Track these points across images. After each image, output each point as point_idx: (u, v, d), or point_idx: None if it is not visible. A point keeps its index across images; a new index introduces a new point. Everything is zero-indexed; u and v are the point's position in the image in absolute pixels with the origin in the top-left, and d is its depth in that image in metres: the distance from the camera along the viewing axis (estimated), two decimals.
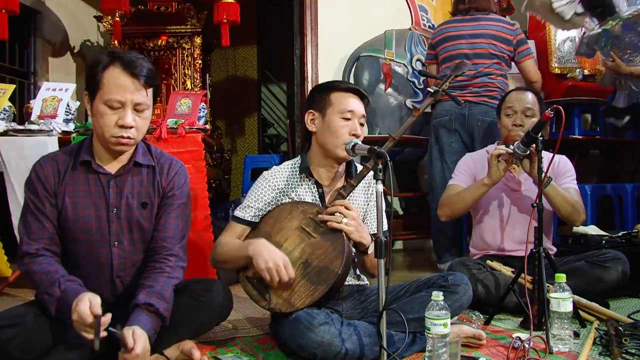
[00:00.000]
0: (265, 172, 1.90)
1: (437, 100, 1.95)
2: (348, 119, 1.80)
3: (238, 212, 1.84)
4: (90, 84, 1.54)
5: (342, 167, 1.89)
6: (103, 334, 1.36)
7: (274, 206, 1.82)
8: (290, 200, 1.83)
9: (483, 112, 2.99)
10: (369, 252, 1.75)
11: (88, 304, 1.35)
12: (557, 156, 2.39)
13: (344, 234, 1.69)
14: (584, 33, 3.14)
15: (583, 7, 3.04)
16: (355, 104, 1.82)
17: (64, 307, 1.42)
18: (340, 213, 1.69)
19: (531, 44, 3.58)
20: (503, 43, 3.09)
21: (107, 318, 1.37)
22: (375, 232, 1.79)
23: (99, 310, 1.35)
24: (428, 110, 2.22)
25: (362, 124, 1.83)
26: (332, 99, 1.82)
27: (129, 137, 1.53)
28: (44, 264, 1.51)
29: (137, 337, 1.38)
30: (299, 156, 1.91)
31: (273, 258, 1.63)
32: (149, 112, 1.58)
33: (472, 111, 3.01)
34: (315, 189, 1.86)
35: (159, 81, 1.63)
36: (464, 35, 3.14)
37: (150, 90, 1.56)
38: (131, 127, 1.52)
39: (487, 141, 2.88)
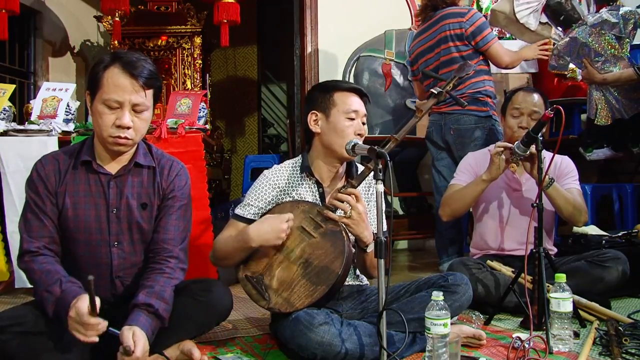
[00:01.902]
0: (266, 170, 1.89)
1: (439, 101, 1.95)
2: (352, 119, 1.80)
3: (239, 210, 1.84)
4: (91, 84, 1.54)
5: (343, 168, 1.89)
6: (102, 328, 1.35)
7: (274, 205, 1.82)
8: (291, 199, 1.83)
9: (455, 121, 2.97)
10: (369, 250, 1.75)
11: (87, 303, 1.34)
12: (560, 156, 2.39)
13: (344, 234, 1.69)
14: (554, 44, 3.13)
15: (546, 16, 3.04)
16: (358, 103, 1.83)
17: (62, 307, 1.41)
18: (348, 203, 1.67)
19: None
20: (459, 40, 2.93)
21: (104, 325, 1.36)
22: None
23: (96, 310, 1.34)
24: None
25: (364, 123, 1.84)
26: (335, 99, 1.82)
27: (126, 138, 1.53)
28: (44, 264, 1.51)
29: (137, 338, 1.37)
30: (300, 155, 1.91)
31: (277, 233, 1.66)
32: (147, 113, 1.57)
33: (446, 121, 3.02)
34: (316, 188, 1.86)
35: (161, 82, 1.62)
36: (426, 50, 3.10)
37: (150, 92, 1.55)
38: (129, 128, 1.52)
39: (462, 147, 2.92)
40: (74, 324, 1.36)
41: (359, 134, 1.80)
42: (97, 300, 1.33)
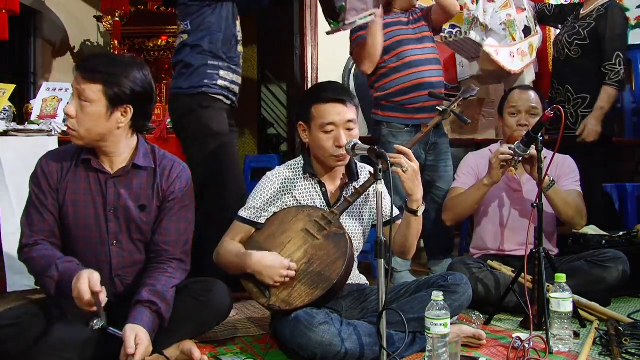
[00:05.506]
0: (268, 172, 1.90)
1: (444, 119, 1.96)
2: (330, 131, 1.77)
3: (242, 212, 1.84)
4: None
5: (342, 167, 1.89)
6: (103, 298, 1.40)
7: (277, 206, 1.83)
8: (293, 200, 1.83)
9: None
10: (419, 213, 1.73)
11: (87, 282, 1.38)
12: (562, 156, 2.38)
13: (347, 237, 1.70)
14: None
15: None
16: (336, 113, 1.76)
17: (64, 288, 1.44)
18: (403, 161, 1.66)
19: None
20: None
21: (104, 294, 1.40)
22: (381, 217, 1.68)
23: (97, 287, 1.38)
24: None
25: (350, 129, 1.78)
26: (313, 112, 1.80)
27: (69, 128, 1.56)
28: (42, 250, 1.54)
29: (140, 341, 1.39)
30: (300, 156, 1.91)
31: (274, 273, 1.65)
32: (92, 107, 1.52)
33: None
34: (319, 187, 1.86)
35: (117, 80, 1.54)
36: None
37: (95, 86, 1.52)
38: (71, 117, 1.54)
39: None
40: (79, 304, 1.40)
41: (337, 145, 1.75)
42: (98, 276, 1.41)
